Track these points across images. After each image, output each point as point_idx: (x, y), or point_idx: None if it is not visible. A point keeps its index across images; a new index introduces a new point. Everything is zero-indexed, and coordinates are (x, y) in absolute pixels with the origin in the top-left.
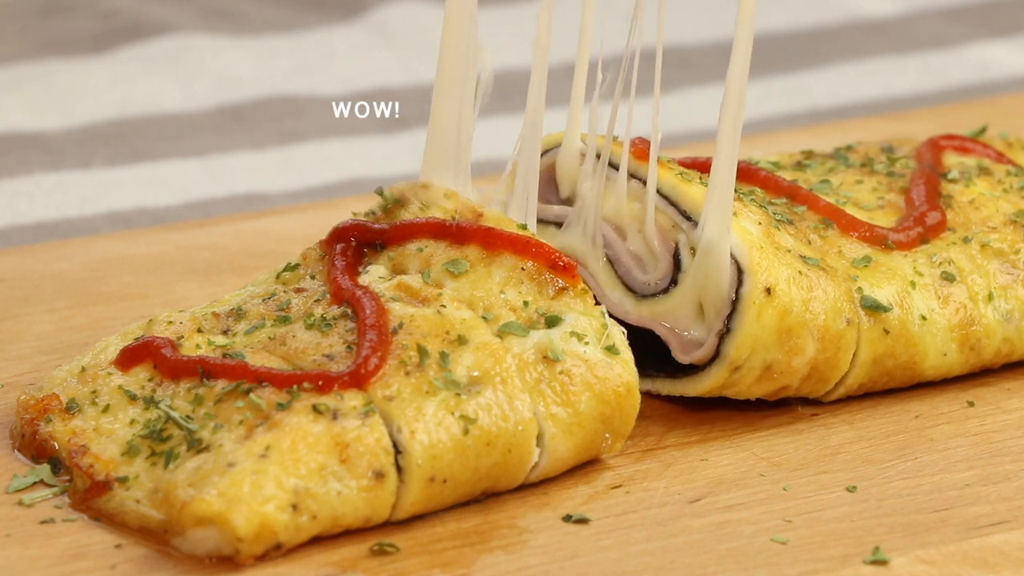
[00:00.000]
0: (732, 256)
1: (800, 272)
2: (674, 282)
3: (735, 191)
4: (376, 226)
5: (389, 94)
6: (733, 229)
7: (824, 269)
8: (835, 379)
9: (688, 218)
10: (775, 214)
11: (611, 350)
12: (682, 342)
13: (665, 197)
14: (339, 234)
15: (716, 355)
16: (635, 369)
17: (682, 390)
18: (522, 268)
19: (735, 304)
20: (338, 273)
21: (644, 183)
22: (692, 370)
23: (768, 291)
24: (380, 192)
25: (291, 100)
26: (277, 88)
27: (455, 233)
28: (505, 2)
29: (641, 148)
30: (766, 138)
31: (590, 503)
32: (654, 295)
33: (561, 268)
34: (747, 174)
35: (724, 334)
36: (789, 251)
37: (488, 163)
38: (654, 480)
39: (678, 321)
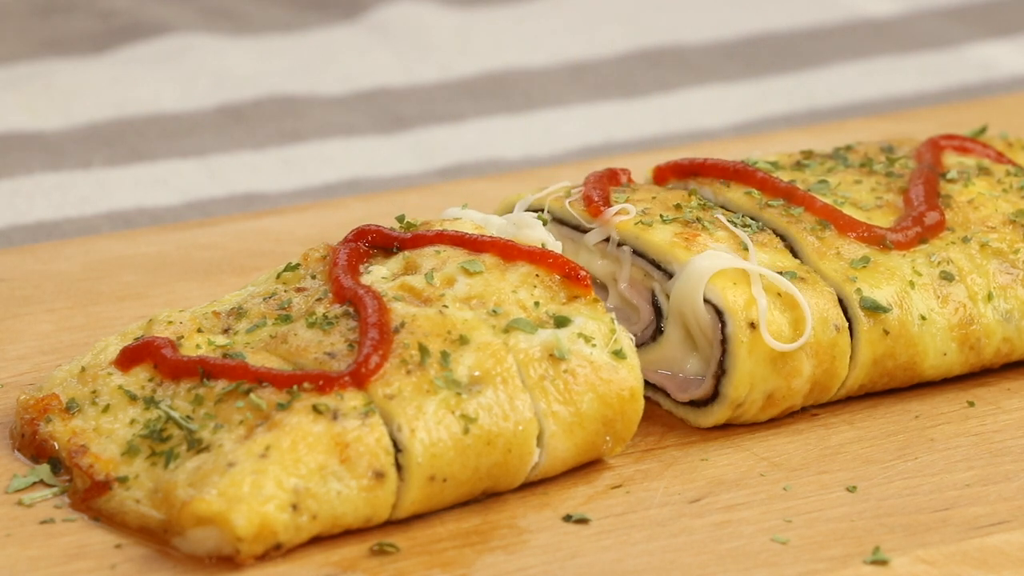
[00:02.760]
0: (708, 301)
1: (779, 294)
2: (660, 330)
3: (700, 220)
4: (395, 233)
5: (389, 94)
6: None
7: (803, 278)
8: (836, 386)
9: (656, 265)
10: (747, 226)
11: (618, 354)
12: (678, 383)
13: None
14: (357, 235)
15: (716, 395)
16: (641, 375)
17: (684, 415)
18: (536, 275)
19: (724, 345)
20: (340, 272)
21: (607, 240)
22: (697, 403)
23: (752, 326)
24: (401, 219)
25: (291, 100)
26: (277, 88)
27: (473, 243)
28: (505, 2)
29: (596, 205)
30: (766, 138)
31: (590, 503)
32: (643, 345)
33: (576, 279)
34: (744, 175)
35: (720, 375)
36: (762, 276)
37: (488, 163)
38: (654, 480)
39: (672, 364)
